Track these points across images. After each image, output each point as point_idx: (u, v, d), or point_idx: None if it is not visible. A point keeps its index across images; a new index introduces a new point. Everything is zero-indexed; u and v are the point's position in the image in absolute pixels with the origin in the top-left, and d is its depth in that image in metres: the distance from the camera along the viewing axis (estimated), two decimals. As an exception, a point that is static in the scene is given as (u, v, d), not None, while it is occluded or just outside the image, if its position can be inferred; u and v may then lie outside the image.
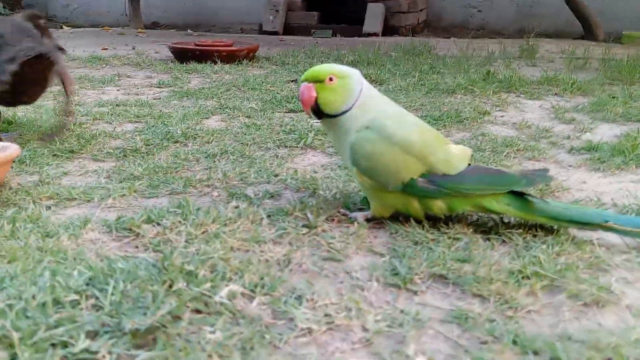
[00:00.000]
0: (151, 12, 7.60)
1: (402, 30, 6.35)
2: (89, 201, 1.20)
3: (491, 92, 2.55)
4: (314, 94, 1.04)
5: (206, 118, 2.08)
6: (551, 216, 1.00)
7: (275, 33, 6.45)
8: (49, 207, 1.15)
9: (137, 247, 0.97)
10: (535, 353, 0.69)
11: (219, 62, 3.38)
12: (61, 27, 7.32)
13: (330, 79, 1.04)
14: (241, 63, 3.49)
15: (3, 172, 1.23)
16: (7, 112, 2.06)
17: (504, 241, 1.00)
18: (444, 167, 1.01)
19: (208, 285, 0.80)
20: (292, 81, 2.92)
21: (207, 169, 1.43)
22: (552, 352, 0.69)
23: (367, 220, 1.07)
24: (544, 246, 0.96)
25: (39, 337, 0.66)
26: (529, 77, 2.92)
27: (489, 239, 1.00)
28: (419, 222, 1.05)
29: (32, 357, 0.64)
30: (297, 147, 1.65)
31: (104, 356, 0.65)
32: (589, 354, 0.68)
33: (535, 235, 1.01)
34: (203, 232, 1.00)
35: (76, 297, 0.74)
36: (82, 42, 5.00)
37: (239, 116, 2.10)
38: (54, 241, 0.98)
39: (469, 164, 1.04)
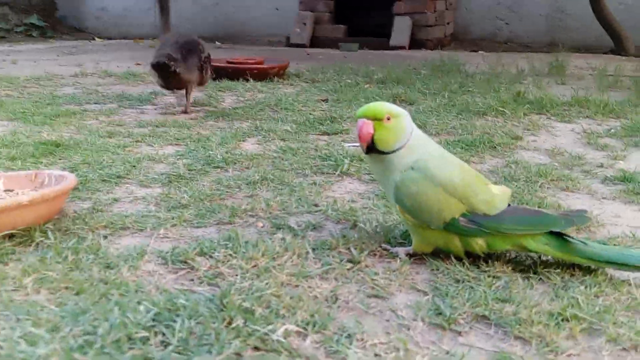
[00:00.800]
0: (180, 24, 7.75)
1: (429, 43, 6.37)
2: (141, 230, 1.27)
3: (522, 114, 2.58)
4: (372, 131, 1.08)
5: (243, 141, 2.15)
6: (589, 257, 1.03)
7: (302, 46, 6.54)
8: (105, 237, 1.22)
9: (192, 280, 1.04)
10: (578, 399, 0.73)
11: (250, 80, 3.46)
12: (93, 39, 7.53)
13: (388, 119, 1.09)
14: (272, 80, 3.57)
15: (62, 201, 1.31)
16: (53, 135, 2.15)
17: (542, 280, 1.03)
18: (485, 208, 1.06)
19: (264, 323, 0.85)
20: (323, 100, 2.98)
21: (249, 197, 1.49)
22: (594, 399, 0.72)
23: (409, 255, 1.12)
24: (582, 287, 0.99)
25: (117, 374, 0.72)
26: (559, 98, 2.93)
27: (527, 278, 1.03)
28: (459, 259, 1.09)
29: (112, 394, 0.70)
30: (333, 173, 1.70)
31: (176, 393, 0.71)
32: (630, 402, 0.72)
33: (572, 275, 1.04)
34: (254, 266, 1.06)
35: (146, 333, 0.80)
36: (116, 56, 5.15)
37: (274, 139, 2.17)
38: (115, 273, 1.04)
39: (509, 204, 1.09)
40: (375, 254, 1.14)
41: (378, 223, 1.27)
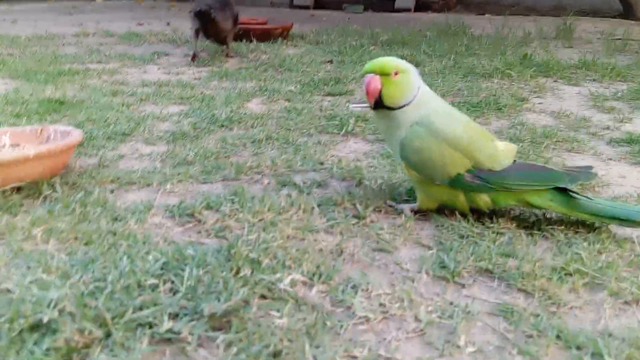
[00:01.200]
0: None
1: (435, 6, 6.26)
2: (148, 185, 1.27)
3: (529, 76, 2.55)
4: (379, 86, 1.07)
5: (247, 101, 2.14)
6: (593, 213, 1.03)
7: (306, 7, 6.43)
8: (112, 191, 1.23)
9: (199, 232, 1.05)
10: (578, 348, 0.74)
11: (254, 41, 3.41)
12: (94, 0, 7.40)
13: (396, 73, 1.07)
14: (276, 41, 3.52)
15: (68, 156, 1.31)
16: (57, 93, 2.14)
17: (545, 237, 1.04)
18: (490, 163, 1.05)
19: (271, 272, 0.86)
20: (327, 62, 2.95)
21: (255, 155, 1.50)
22: (594, 348, 0.74)
23: (414, 212, 1.12)
24: (585, 243, 1.00)
25: (128, 317, 0.74)
26: (567, 61, 2.90)
27: (531, 235, 1.04)
28: (463, 215, 1.10)
29: (124, 336, 0.71)
30: (338, 134, 1.70)
31: (186, 337, 0.72)
32: (630, 351, 0.73)
33: (577, 232, 1.05)
34: (260, 220, 1.07)
35: (155, 281, 0.82)
36: (117, 16, 5.08)
37: (279, 99, 2.15)
38: (122, 225, 1.05)
39: (515, 160, 1.09)
40: (380, 210, 1.14)
41: (383, 181, 1.28)
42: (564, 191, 1.06)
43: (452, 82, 2.42)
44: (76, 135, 1.33)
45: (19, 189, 1.19)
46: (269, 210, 1.10)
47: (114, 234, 1.01)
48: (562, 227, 1.06)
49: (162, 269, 0.85)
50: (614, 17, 5.52)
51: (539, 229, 1.06)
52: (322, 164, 1.42)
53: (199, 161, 1.43)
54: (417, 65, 2.82)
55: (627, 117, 1.94)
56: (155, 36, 3.77)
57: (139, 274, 0.83)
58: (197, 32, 2.94)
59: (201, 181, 1.30)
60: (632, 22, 5.03)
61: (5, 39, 3.52)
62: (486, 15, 5.68)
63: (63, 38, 3.65)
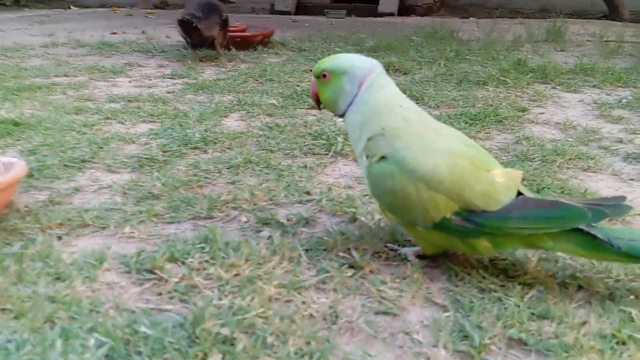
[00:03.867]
0: (159, -9, 7.38)
1: (419, 9, 6.12)
2: (103, 228, 1.08)
3: (525, 83, 2.40)
4: (315, 89, 0.98)
5: (224, 116, 1.95)
6: (627, 253, 0.80)
7: (287, 13, 6.25)
8: (59, 237, 1.03)
9: (160, 294, 0.85)
10: None
11: (232, 49, 3.22)
12: (69, 7, 7.15)
13: (324, 76, 0.95)
14: (256, 49, 3.33)
15: (10, 194, 1.11)
16: (13, 112, 1.93)
17: (582, 288, 0.86)
18: (483, 202, 0.83)
19: (248, 358, 0.67)
20: (310, 70, 2.76)
21: (231, 184, 1.31)
22: None
23: (419, 257, 0.94)
24: (632, 296, 0.83)
25: None
26: (562, 66, 2.75)
27: (564, 285, 0.86)
28: (480, 261, 0.92)
29: None
30: (326, 154, 1.52)
31: None
32: None
33: (617, 281, 0.88)
34: (235, 275, 0.88)
35: (94, 381, 0.62)
36: (91, 25, 4.85)
37: (259, 114, 1.97)
38: (66, 287, 0.86)
39: (519, 194, 0.86)
40: (380, 256, 0.96)
41: (381, 216, 1.09)
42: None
43: (445, 91, 2.25)
44: (19, 168, 1.12)
45: (-56, 239, 0.98)
46: (246, 261, 0.91)
47: (53, 301, 0.81)
48: (598, 270, 0.89)
49: (106, 357, 0.66)
50: (599, 18, 5.43)
51: (572, 276, 0.88)
52: (308, 193, 1.24)
53: (166, 194, 1.23)
54: (406, 73, 2.66)
55: (638, 128, 1.79)
56: (128, 45, 3.55)
57: (74, 368, 0.63)
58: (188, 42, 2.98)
59: (167, 221, 1.11)
60: (619, 23, 4.93)
61: (-35, 52, 3.28)
62: (471, 18, 5.55)
63: (31, 49, 3.42)
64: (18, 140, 1.66)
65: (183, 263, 0.92)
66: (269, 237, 1.00)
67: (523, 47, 3.41)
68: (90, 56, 3.23)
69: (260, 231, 1.05)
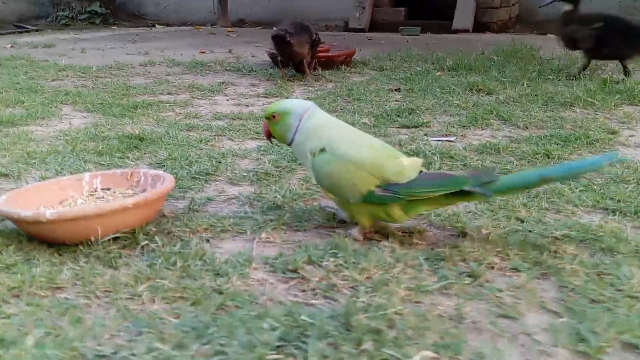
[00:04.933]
0: (238, 9, 7.76)
1: (494, 26, 6.13)
2: (241, 233, 1.24)
3: (613, 105, 2.42)
4: (266, 128, 1.30)
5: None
6: (500, 191, 1.16)
7: (361, 30, 6.42)
8: (207, 240, 1.21)
9: (304, 291, 1.00)
10: None
11: (319, 69, 3.40)
12: (153, 26, 7.64)
13: (274, 117, 1.26)
14: (339, 69, 3.50)
15: (162, 203, 1.30)
16: (135, 128, 2.17)
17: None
18: (396, 177, 1.14)
19: (394, 346, 0.80)
20: (395, 90, 2.89)
21: (342, 197, 1.45)
22: None
23: (364, 235, 1.19)
24: None
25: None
26: (651, 87, 2.73)
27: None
28: (587, 275, 1.01)
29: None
30: (425, 172, 1.63)
31: None
32: None
33: None
34: (367, 278, 1.01)
35: (278, 355, 0.77)
36: (179, 44, 5.20)
37: (354, 132, 2.11)
38: (225, 281, 1.02)
39: (421, 171, 1.17)
40: (492, 267, 1.07)
41: (489, 230, 1.20)
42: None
43: (533, 112, 2.32)
44: (169, 181, 1.31)
45: (115, 239, 1.18)
46: (375, 267, 1.04)
47: (219, 293, 0.98)
48: None
49: (281, 339, 0.81)
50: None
51: (678, 293, 0.96)
52: (415, 209, 1.36)
53: (287, 204, 1.39)
54: (489, 93, 2.74)
55: None
56: (219, 64, 3.82)
57: (259, 346, 0.79)
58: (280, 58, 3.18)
59: (295, 228, 1.27)
60: None
61: (77, 70, 3.64)
62: (548, 35, 5.50)
63: (132, 68, 3.75)
64: (145, 154, 1.88)
65: (320, 265, 1.07)
66: (391, 248, 1.13)
67: (606, 67, 3.39)
68: (186, 75, 3.50)
69: (379, 241, 1.18)
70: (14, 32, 6.97)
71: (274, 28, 3.14)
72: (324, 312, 0.89)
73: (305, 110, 1.24)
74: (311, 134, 1.22)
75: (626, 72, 2.94)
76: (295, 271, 1.05)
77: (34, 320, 0.91)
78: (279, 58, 3.22)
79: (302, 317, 0.86)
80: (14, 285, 1.01)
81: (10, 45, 5.25)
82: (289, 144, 1.27)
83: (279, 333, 0.82)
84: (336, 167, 1.17)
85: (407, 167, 1.16)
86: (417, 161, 1.19)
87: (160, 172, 1.41)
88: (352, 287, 0.99)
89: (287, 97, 2.77)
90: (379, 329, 0.84)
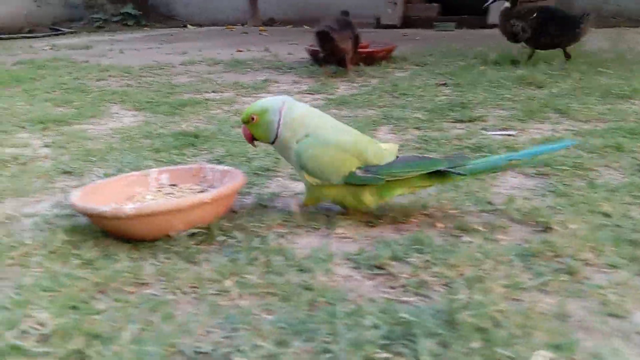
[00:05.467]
0: (267, 8, 7.77)
1: (530, 19, 6.00)
2: (317, 229, 1.22)
3: (674, 97, 2.33)
4: (248, 132, 1.30)
5: (374, 130, 2.07)
6: (471, 173, 1.23)
7: (393, 27, 6.36)
8: (282, 235, 1.19)
9: (393, 287, 0.97)
10: None
11: (361, 64, 3.37)
12: (185, 26, 7.70)
13: (252, 119, 1.27)
14: (380, 64, 3.46)
15: (232, 199, 1.29)
16: (186, 125, 2.17)
17: None
18: (376, 159, 1.21)
19: (503, 345, 0.77)
20: (441, 84, 2.84)
21: (411, 193, 1.41)
22: None
23: (299, 207, 1.28)
24: None
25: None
26: None
27: None
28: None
29: None
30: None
31: None
32: None
33: None
34: (460, 275, 0.98)
35: (387, 355, 0.74)
36: (214, 43, 5.22)
37: (408, 128, 2.07)
38: (310, 277, 1.00)
39: (397, 156, 1.24)
40: (587, 263, 1.02)
41: (577, 226, 1.15)
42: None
43: (590, 105, 2.25)
44: (240, 176, 1.30)
45: (191, 234, 1.16)
46: (464, 262, 1.01)
47: (307, 289, 0.95)
48: None
49: (385, 337, 0.78)
50: None
51: None
52: (490, 203, 1.32)
53: (356, 200, 1.36)
54: (540, 86, 2.67)
55: None
56: (258, 63, 3.81)
57: (366, 345, 0.76)
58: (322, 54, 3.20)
59: (369, 224, 1.24)
60: None
61: (119, 70, 3.68)
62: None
63: (172, 67, 3.77)
64: (201, 150, 1.87)
65: (405, 262, 1.03)
66: (478, 244, 1.09)
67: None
68: (227, 73, 3.50)
69: (460, 237, 1.14)
70: (49, 35, 7.10)
71: (318, 26, 3.10)
72: (422, 310, 0.86)
73: (282, 103, 1.25)
74: (296, 125, 1.23)
75: (567, 57, 3.18)
76: (381, 267, 1.02)
77: (125, 316, 0.90)
78: (321, 54, 3.20)
79: (402, 315, 0.83)
80: (99, 280, 1.00)
81: (49, 47, 5.34)
82: (273, 142, 1.27)
83: (384, 331, 0.79)
84: (320, 150, 1.21)
85: (386, 151, 1.23)
86: (394, 146, 1.26)
87: (227, 167, 1.40)
88: (444, 284, 0.96)
89: (333, 94, 2.74)
90: (485, 327, 0.80)
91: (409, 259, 1.04)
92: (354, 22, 3.18)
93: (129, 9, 8.16)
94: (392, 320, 0.82)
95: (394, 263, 1.03)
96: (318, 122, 1.26)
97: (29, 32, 7.35)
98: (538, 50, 3.28)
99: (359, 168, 1.20)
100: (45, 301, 0.94)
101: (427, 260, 1.03)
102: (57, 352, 0.81)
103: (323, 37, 3.02)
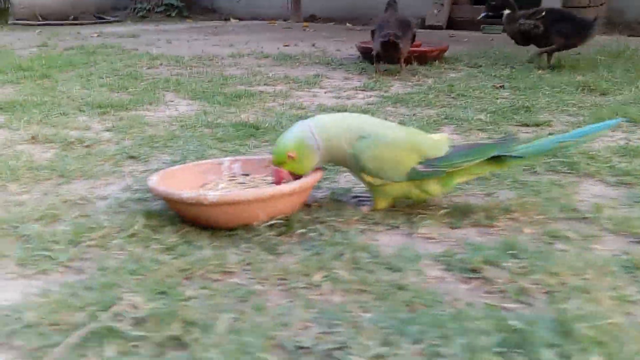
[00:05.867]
0: (310, 5, 7.74)
1: (579, 26, 5.85)
2: (396, 227, 1.18)
3: None
4: (284, 177, 1.20)
5: (437, 130, 2.02)
6: (523, 158, 1.23)
7: (438, 27, 6.27)
8: (362, 231, 1.15)
9: (490, 292, 0.93)
10: None
11: (414, 63, 3.31)
12: (228, 20, 7.74)
13: (290, 157, 1.18)
14: (432, 64, 3.40)
15: (310, 192, 1.26)
16: (245, 116, 2.16)
17: None
18: (433, 152, 1.20)
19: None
20: (499, 87, 2.77)
21: (487, 196, 1.36)
22: None
23: (369, 211, 1.23)
24: None
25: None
26: None
27: None
28: None
29: None
30: (568, 172, 1.52)
31: None
32: None
33: None
34: (562, 283, 0.93)
35: (505, 362, 0.70)
36: (259, 37, 5.22)
37: (471, 129, 2.02)
38: (401, 277, 0.96)
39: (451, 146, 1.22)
40: (693, 279, 0.96)
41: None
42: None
43: (663, 115, 2.15)
44: (317, 171, 1.26)
45: (269, 225, 1.14)
46: (564, 271, 0.96)
47: (399, 289, 0.92)
48: None
49: (500, 345, 0.74)
50: None
51: None
52: (576, 210, 1.26)
53: (431, 199, 1.32)
54: (604, 94, 2.58)
55: None
56: (307, 57, 3.79)
57: (480, 351, 0.72)
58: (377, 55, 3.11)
59: (449, 225, 1.19)
60: None
61: (169, 58, 3.70)
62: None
63: (222, 59, 3.77)
64: (263, 142, 1.85)
65: (499, 267, 0.99)
66: (577, 252, 1.04)
67: None
68: (276, 67, 3.49)
69: (552, 244, 1.09)
70: (95, 23, 7.22)
71: (381, 31, 2.98)
72: (532, 318, 0.81)
73: (308, 127, 1.21)
74: (339, 132, 1.21)
75: (549, 63, 3.23)
76: (475, 271, 0.98)
77: (216, 305, 0.87)
78: (373, 53, 3.15)
79: (512, 322, 0.79)
80: (184, 267, 0.98)
81: (96, 34, 5.42)
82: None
83: (497, 338, 0.75)
84: (379, 150, 1.19)
85: (439, 142, 1.22)
86: (444, 136, 1.26)
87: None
88: (546, 292, 0.91)
89: (387, 92, 2.70)
90: (604, 341, 0.75)
91: (503, 264, 0.99)
92: (412, 21, 3.14)
93: (172, 0, 8.24)
94: (502, 327, 0.78)
95: (488, 267, 0.99)
96: (363, 122, 1.24)
97: (74, 19, 7.48)
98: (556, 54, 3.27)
99: (419, 163, 1.19)
100: (132, 284, 0.93)
101: (524, 267, 0.98)
102: (154, 337, 0.79)
103: (390, 46, 2.94)
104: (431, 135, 1.27)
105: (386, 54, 3.03)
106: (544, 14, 3.15)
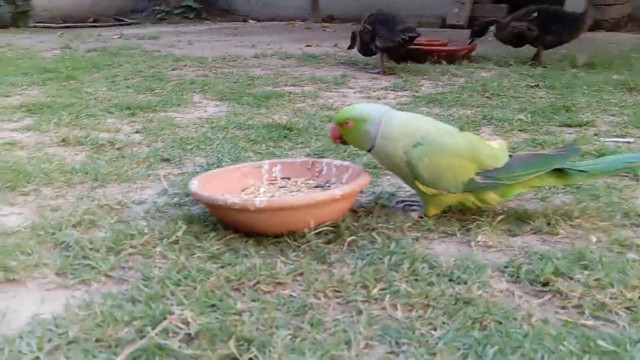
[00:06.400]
0: (328, 5, 7.69)
1: (606, 24, 5.72)
2: (450, 235, 1.11)
3: None
4: (337, 133, 1.20)
5: (475, 130, 1.95)
6: (585, 175, 1.16)
7: (459, 27, 6.18)
8: (416, 239, 1.09)
9: (564, 307, 0.85)
10: None
11: (441, 63, 3.24)
12: (246, 21, 7.71)
13: (347, 123, 1.17)
14: (461, 63, 3.32)
15: (354, 198, 1.19)
16: (276, 117, 2.10)
17: None
18: (493, 162, 1.13)
19: None
20: (534, 86, 2.69)
21: (541, 200, 1.29)
22: None
23: (420, 217, 1.16)
24: None
25: None
26: None
27: None
28: None
29: None
30: (625, 176, 1.44)
31: None
32: None
33: None
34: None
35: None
36: (280, 38, 5.17)
37: (512, 129, 1.94)
38: (465, 290, 0.89)
39: (510, 155, 1.16)
40: None
41: None
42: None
43: None
44: (365, 174, 1.20)
45: (317, 233, 1.08)
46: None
47: (465, 303, 0.85)
48: None
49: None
50: None
51: None
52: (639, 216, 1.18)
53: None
54: (642, 91, 2.48)
55: None
56: (331, 58, 3.73)
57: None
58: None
59: (508, 233, 1.12)
60: None
61: (193, 60, 3.66)
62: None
63: (245, 59, 3.73)
64: (297, 144, 1.79)
65: (571, 278, 0.92)
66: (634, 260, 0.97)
67: None
68: (301, 67, 3.43)
69: (624, 253, 1.02)
70: (114, 25, 7.23)
71: (398, 28, 2.98)
72: (620, 338, 0.74)
73: (382, 116, 1.16)
74: (398, 136, 1.15)
75: (539, 61, 3.21)
76: (545, 284, 0.91)
77: (269, 319, 0.81)
78: (379, 51, 3.10)
79: (600, 343, 0.72)
80: (232, 277, 0.93)
81: (117, 36, 5.41)
82: (369, 150, 1.19)
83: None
84: (436, 159, 1.12)
85: (498, 151, 1.16)
86: (503, 144, 1.20)
87: (346, 162, 1.31)
88: (627, 308, 0.83)
89: (418, 92, 2.63)
90: None
91: (575, 276, 0.92)
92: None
93: (190, 2, 8.24)
94: (589, 349, 0.71)
95: (559, 279, 0.91)
96: (424, 127, 1.17)
97: (94, 21, 7.51)
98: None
99: (477, 174, 1.12)
100: (180, 296, 0.87)
101: (598, 279, 0.91)
102: (207, 356, 0.73)
103: (408, 43, 3.00)
104: (490, 143, 1.20)
105: (400, 50, 3.07)
106: (535, 14, 3.14)
